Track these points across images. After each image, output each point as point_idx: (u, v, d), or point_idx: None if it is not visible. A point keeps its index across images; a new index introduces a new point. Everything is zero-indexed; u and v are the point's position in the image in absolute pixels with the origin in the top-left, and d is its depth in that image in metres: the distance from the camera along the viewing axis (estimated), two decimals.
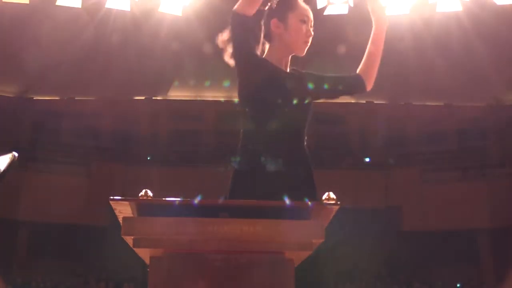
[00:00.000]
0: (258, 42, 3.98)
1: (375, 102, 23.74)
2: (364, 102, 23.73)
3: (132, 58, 19.69)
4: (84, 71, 21.30)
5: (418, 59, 19.11)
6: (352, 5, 13.87)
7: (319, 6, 13.87)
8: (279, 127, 3.84)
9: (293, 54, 4.01)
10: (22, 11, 15.96)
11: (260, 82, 3.85)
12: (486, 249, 22.33)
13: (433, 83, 21.51)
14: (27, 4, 14.14)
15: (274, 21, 3.94)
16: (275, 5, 3.97)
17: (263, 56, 3.98)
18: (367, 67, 4.17)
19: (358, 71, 4.19)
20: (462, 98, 22.62)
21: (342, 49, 18.62)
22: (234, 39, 3.88)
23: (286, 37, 3.93)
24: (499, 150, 22.11)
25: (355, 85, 4.19)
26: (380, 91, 23.09)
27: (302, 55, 3.99)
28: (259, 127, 3.87)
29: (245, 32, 3.85)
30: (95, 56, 20.15)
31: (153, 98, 24.27)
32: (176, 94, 23.64)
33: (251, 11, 3.79)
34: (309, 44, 3.95)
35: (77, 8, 14.23)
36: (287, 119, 3.87)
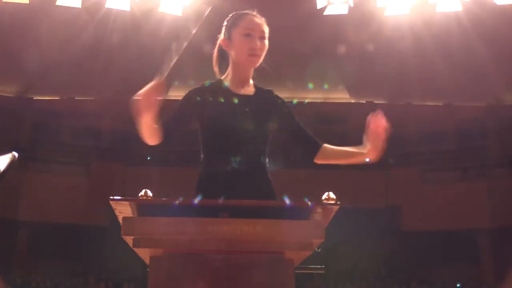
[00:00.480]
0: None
1: (375, 102, 23.74)
2: (364, 102, 23.74)
3: (132, 58, 19.68)
4: (84, 71, 21.30)
5: (418, 59, 19.12)
6: (352, 5, 13.88)
7: (319, 6, 13.89)
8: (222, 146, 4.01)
9: (245, 70, 4.05)
10: (22, 11, 15.97)
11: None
12: (486, 249, 22.34)
13: (433, 83, 21.52)
14: (27, 4, 14.15)
15: (222, 40, 4.08)
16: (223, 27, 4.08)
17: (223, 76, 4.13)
18: (331, 155, 4.20)
19: (324, 144, 4.19)
20: (462, 98, 22.63)
21: (341, 48, 18.64)
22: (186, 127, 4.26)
23: (232, 53, 4.02)
24: (499, 150, 22.11)
25: (308, 149, 4.19)
26: (380, 91, 23.16)
27: (253, 67, 4.01)
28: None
29: (176, 128, 4.20)
30: (95, 56, 20.15)
31: None
32: (176, 94, 23.62)
33: (158, 139, 4.07)
34: (258, 56, 3.96)
35: (77, 8, 14.26)
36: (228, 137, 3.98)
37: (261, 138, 4.02)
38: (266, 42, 4.01)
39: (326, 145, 4.20)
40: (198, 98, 4.09)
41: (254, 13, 4.06)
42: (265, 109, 4.01)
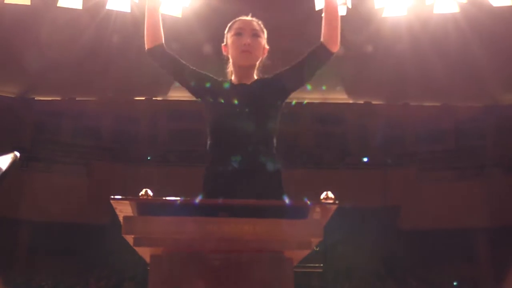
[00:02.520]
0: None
1: (373, 102, 23.76)
2: (362, 102, 23.76)
3: (132, 59, 19.65)
4: (85, 72, 21.30)
5: (416, 59, 19.13)
6: (350, 6, 13.86)
7: (317, 8, 13.86)
8: (224, 133, 4.09)
9: (242, 67, 4.18)
10: (23, 12, 15.95)
11: (198, 91, 4.23)
12: (483, 248, 22.35)
13: (430, 84, 21.52)
14: (28, 5, 14.12)
15: (223, 46, 4.30)
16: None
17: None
18: (326, 31, 4.28)
19: (321, 38, 4.27)
20: (459, 98, 22.64)
21: (340, 49, 18.61)
22: (168, 71, 4.41)
23: (230, 54, 4.21)
24: (496, 150, 22.13)
25: (319, 55, 4.30)
26: (378, 92, 23.17)
27: (250, 64, 4.16)
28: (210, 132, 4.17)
29: (169, 58, 4.37)
30: (95, 57, 20.15)
31: (153, 98, 24.29)
32: (176, 94, 23.63)
33: (157, 41, 4.39)
34: (249, 51, 4.13)
35: (78, 10, 14.22)
36: (232, 125, 4.05)
37: (261, 138, 4.07)
38: (263, 40, 4.16)
39: (321, 36, 4.25)
40: (208, 84, 4.20)
41: (249, 16, 4.25)
42: (266, 92, 4.09)
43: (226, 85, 4.16)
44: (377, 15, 14.55)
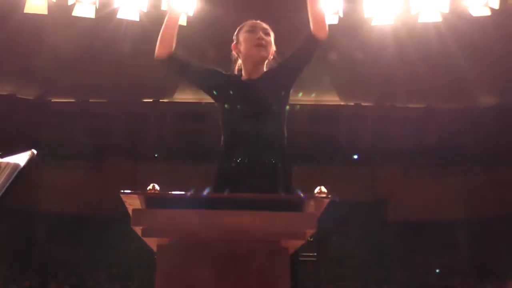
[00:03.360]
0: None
1: (362, 104, 23.74)
2: (353, 104, 23.74)
3: (141, 64, 19.64)
4: (98, 76, 21.30)
5: (402, 65, 19.12)
6: (341, 15, 13.86)
7: None
8: (234, 130, 4.07)
9: (254, 60, 4.13)
10: (41, 21, 15.93)
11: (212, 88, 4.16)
12: (463, 238, 22.37)
13: (415, 87, 21.53)
14: (45, 15, 14.11)
15: (232, 45, 4.22)
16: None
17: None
18: (313, 21, 4.19)
19: (310, 30, 4.22)
20: (441, 100, 22.64)
21: (332, 55, 18.64)
22: (178, 76, 4.40)
23: (242, 50, 4.14)
24: (475, 149, 22.11)
25: (310, 45, 4.23)
26: (367, 94, 23.15)
27: (262, 57, 4.11)
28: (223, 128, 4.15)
29: (181, 65, 4.20)
30: (107, 62, 20.15)
31: (160, 100, 24.26)
32: (181, 97, 23.61)
33: (167, 51, 4.16)
34: (264, 46, 4.09)
35: (91, 18, 14.22)
36: (242, 121, 4.02)
37: (264, 138, 4.07)
38: (271, 39, 4.17)
39: (310, 28, 4.18)
40: (218, 78, 4.17)
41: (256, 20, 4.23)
42: (273, 85, 4.05)
43: (235, 82, 4.13)
44: (366, 23, 14.55)
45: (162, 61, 4.15)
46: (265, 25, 4.19)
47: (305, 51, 4.23)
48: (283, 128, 4.14)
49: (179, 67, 4.23)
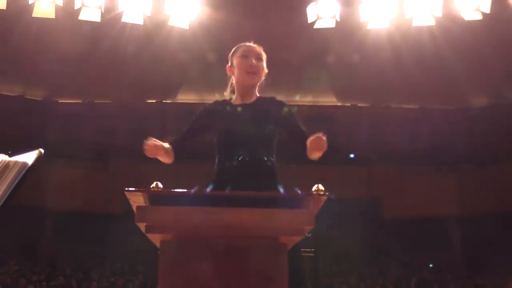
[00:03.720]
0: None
1: (359, 105, 23.74)
2: (349, 105, 23.74)
3: (145, 66, 19.71)
4: (103, 78, 21.32)
5: (396, 67, 19.12)
6: (338, 19, 13.87)
7: (309, 20, 13.85)
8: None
9: (245, 86, 4.24)
10: (49, 25, 15.93)
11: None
12: (456, 235, 22.39)
13: (409, 88, 21.55)
14: (53, 18, 14.12)
15: (227, 67, 4.32)
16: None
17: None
18: (310, 155, 4.19)
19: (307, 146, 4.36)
20: (435, 101, 22.64)
21: (330, 57, 18.66)
22: (198, 139, 4.52)
23: (235, 74, 4.25)
24: (468, 148, 22.12)
25: (298, 147, 4.23)
26: (363, 95, 23.15)
27: (253, 84, 4.21)
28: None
29: (186, 145, 4.47)
30: (112, 64, 20.16)
31: (163, 101, 24.25)
32: (183, 97, 23.60)
33: (171, 160, 4.37)
34: (255, 73, 4.18)
35: (97, 22, 14.22)
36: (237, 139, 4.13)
37: (261, 140, 4.15)
38: (264, 64, 4.24)
39: (307, 150, 4.27)
40: (212, 110, 4.34)
41: (251, 43, 4.28)
42: (265, 111, 4.19)
43: (228, 108, 4.25)
44: (362, 27, 14.55)
45: (175, 160, 4.37)
46: (258, 50, 4.24)
47: (294, 141, 4.29)
48: (275, 137, 4.24)
49: (187, 146, 4.49)
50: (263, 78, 4.26)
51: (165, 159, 4.30)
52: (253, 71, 4.17)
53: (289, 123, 4.27)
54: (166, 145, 4.26)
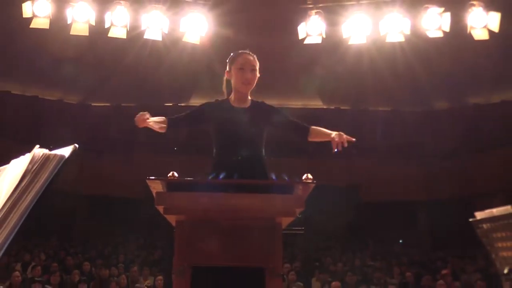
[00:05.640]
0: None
1: (341, 107, 23.74)
2: (333, 108, 23.71)
3: (162, 75, 19.74)
4: (128, 84, 21.36)
5: (373, 76, 19.18)
6: (324, 36, 13.86)
7: (300, 37, 13.82)
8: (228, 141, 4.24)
9: (241, 92, 4.31)
10: (82, 42, 15.96)
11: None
12: (423, 216, 22.50)
13: (384, 94, 21.59)
14: (86, 36, 14.12)
15: (226, 72, 4.40)
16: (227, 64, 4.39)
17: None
18: (317, 135, 4.38)
19: (311, 127, 4.41)
20: (405, 105, 22.66)
21: (317, 69, 18.67)
22: (189, 127, 4.86)
23: (232, 81, 4.33)
24: (432, 143, 22.14)
25: (301, 133, 4.36)
26: (345, 99, 23.14)
27: (248, 91, 4.30)
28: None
29: (179, 125, 4.67)
30: (136, 73, 20.21)
31: (178, 104, 24.24)
32: (195, 101, 23.57)
33: (163, 131, 4.58)
34: (250, 84, 4.25)
35: (123, 39, 14.23)
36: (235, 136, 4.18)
37: (256, 136, 4.18)
38: (257, 73, 4.29)
39: (312, 127, 4.37)
40: (211, 109, 4.39)
41: (247, 51, 4.31)
42: (258, 115, 4.27)
43: (228, 108, 4.29)
44: (344, 42, 14.52)
45: (166, 132, 4.56)
46: (252, 61, 4.26)
47: (291, 131, 4.36)
48: (263, 144, 4.26)
49: (180, 126, 4.71)
50: (255, 81, 4.29)
51: (156, 129, 4.54)
52: (248, 83, 4.23)
53: (283, 119, 4.33)
54: (160, 118, 4.56)
